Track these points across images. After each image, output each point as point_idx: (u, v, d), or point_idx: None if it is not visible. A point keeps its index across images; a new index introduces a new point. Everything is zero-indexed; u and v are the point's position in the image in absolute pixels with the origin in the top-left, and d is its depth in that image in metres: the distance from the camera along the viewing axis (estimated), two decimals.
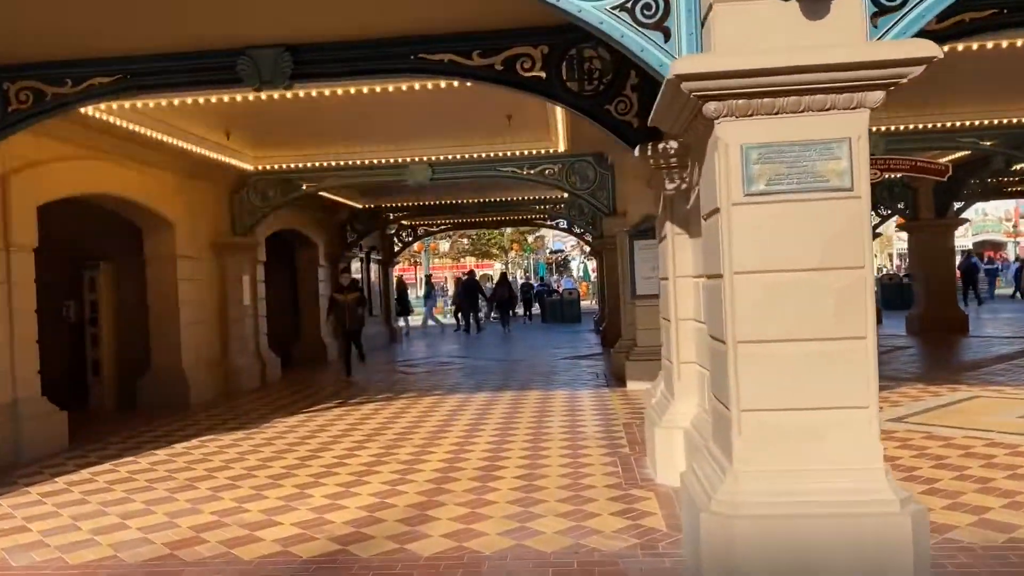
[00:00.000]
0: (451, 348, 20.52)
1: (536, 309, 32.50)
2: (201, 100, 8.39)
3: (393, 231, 23.27)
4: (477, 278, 31.35)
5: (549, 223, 23.63)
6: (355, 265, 20.72)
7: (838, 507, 3.86)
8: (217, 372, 12.94)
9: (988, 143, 13.25)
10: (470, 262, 65.65)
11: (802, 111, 3.95)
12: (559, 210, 19.23)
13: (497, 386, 12.46)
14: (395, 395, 11.95)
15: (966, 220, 22.16)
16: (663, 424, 6.23)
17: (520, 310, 34.77)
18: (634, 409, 9.70)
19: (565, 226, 23.53)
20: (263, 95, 8.17)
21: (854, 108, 3.93)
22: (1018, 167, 16.48)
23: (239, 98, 8.28)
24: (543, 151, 12.56)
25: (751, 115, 3.98)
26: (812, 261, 3.97)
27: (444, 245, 61.75)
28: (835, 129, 3.96)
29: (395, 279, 25.55)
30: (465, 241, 61.74)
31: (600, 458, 7.20)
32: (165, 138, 10.28)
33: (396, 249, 23.99)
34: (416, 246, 46.53)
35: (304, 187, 13.66)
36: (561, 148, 12.12)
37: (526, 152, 12.61)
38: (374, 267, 22.62)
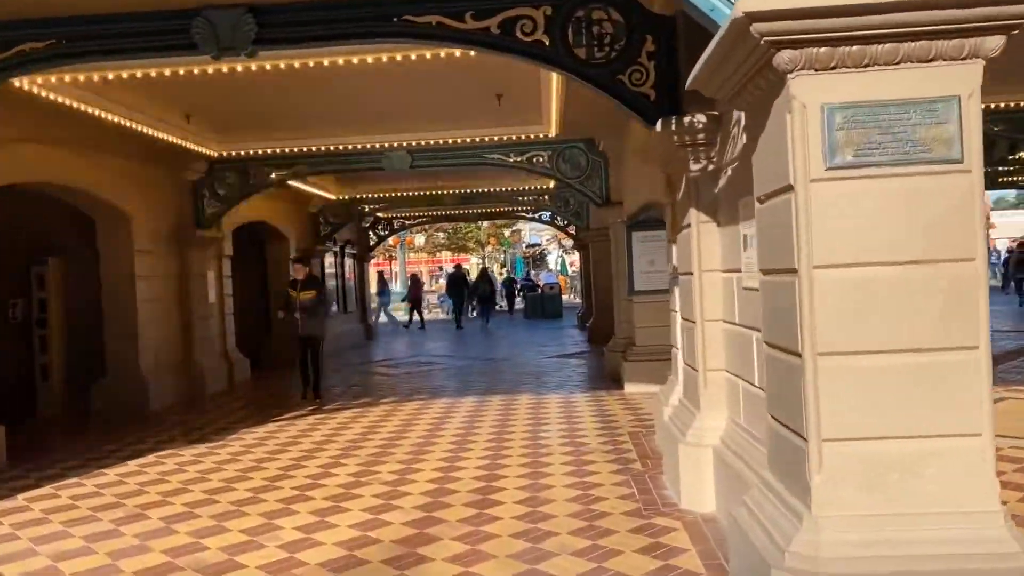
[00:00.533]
0: (433, 347, 19.61)
1: (520, 304, 31.84)
2: (153, 73, 7.41)
3: (368, 224, 22.29)
4: (463, 272, 30.62)
5: (531, 216, 22.81)
6: (329, 259, 19.75)
7: (947, 561, 3.06)
8: (180, 375, 11.95)
9: (996, 128, 12.60)
10: (446, 256, 64.76)
11: (899, 62, 3.12)
12: (544, 201, 18.39)
13: (484, 389, 11.60)
14: (374, 400, 11.05)
15: None
16: (688, 441, 5.41)
17: (504, 304, 34.13)
18: (638, 416, 8.90)
19: (548, 218, 22.71)
20: (224, 67, 7.23)
21: (964, 58, 3.11)
22: (1021, 154, 15.89)
23: (197, 71, 7.32)
24: (532, 136, 11.69)
25: (835, 68, 3.15)
26: (912, 252, 3.15)
27: (420, 239, 60.77)
28: (940, 85, 3.14)
29: (376, 274, 24.59)
30: (441, 235, 60.74)
31: (610, 476, 6.37)
32: (118, 119, 9.27)
33: (372, 243, 23.00)
34: (391, 240, 45.65)
35: (273, 175, 12.69)
36: (552, 132, 11.26)
37: (514, 137, 11.74)
38: (349, 261, 21.62)
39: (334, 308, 19.78)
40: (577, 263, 61.27)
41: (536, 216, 22.63)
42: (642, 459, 6.87)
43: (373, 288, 38.12)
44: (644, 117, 5.78)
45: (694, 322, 5.56)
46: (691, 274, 5.60)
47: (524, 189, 18.09)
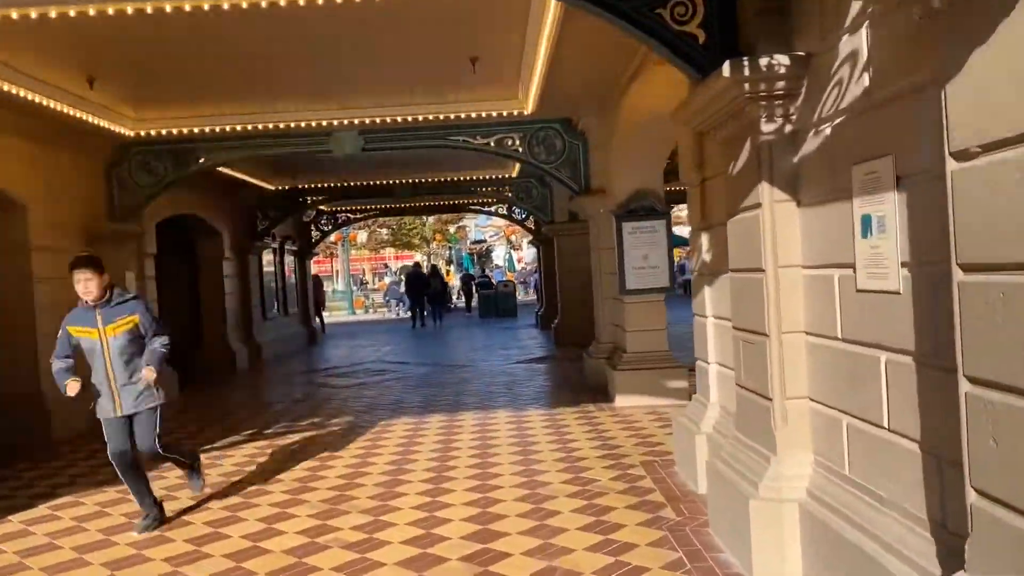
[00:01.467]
0: (386, 351, 17.99)
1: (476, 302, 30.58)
2: (34, 14, 5.69)
3: (310, 218, 20.53)
4: (422, 269, 29.27)
5: (487, 210, 21.31)
6: (267, 257, 17.97)
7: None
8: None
9: None
10: (390, 253, 62.88)
11: None
12: (504, 192, 16.96)
13: (452, 404, 10.11)
14: (323, 420, 9.47)
15: None
16: (763, 495, 4.03)
17: (462, 303, 32.96)
18: (641, 437, 7.54)
19: (504, 212, 21.26)
20: (129, 7, 5.60)
21: None
22: None
23: (94, 10, 5.64)
24: (505, 113, 10.20)
25: None
26: None
27: (362, 236, 58.77)
28: None
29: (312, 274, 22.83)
30: (384, 231, 58.89)
31: (640, 530, 4.96)
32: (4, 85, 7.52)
33: (314, 239, 21.24)
34: (334, 236, 43.66)
35: (202, 160, 10.97)
36: (529, 109, 9.81)
37: (484, 114, 10.23)
38: (289, 259, 19.84)
39: (273, 311, 18.08)
40: (527, 259, 60.40)
41: (493, 210, 21.15)
42: (672, 502, 5.49)
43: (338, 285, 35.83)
44: (690, 63, 4.39)
45: (764, 335, 4.18)
46: (759, 271, 4.22)
47: (484, 179, 16.62)
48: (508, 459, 7.00)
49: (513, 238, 60.76)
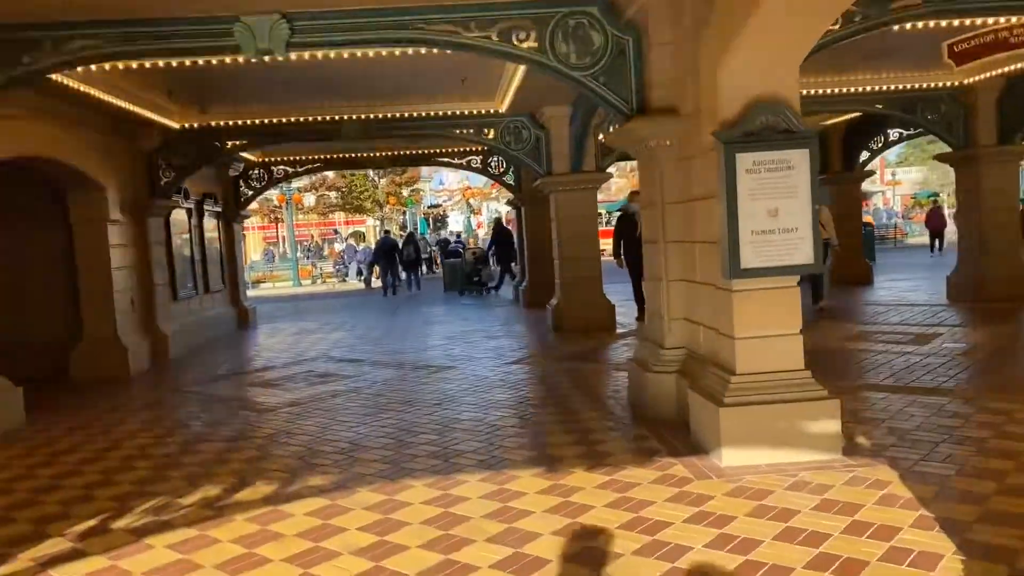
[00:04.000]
0: (334, 339, 13.99)
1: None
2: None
3: (238, 171, 16.31)
4: (393, 239, 26.19)
5: (456, 162, 17.25)
6: (179, 220, 13.81)
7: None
8: None
9: None
10: (340, 218, 58.30)
11: None
12: (485, 135, 12.97)
13: (438, 458, 6.19)
14: (222, 498, 5.54)
15: None
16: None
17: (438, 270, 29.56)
18: (824, 559, 3.86)
19: (478, 165, 17.27)
20: None
21: None
22: None
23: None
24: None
25: None
26: None
27: (309, 199, 54.07)
28: None
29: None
30: (333, 194, 54.29)
31: None
32: None
33: (243, 198, 17.03)
34: (276, 198, 39.11)
35: (50, 60, 6.84)
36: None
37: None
38: (211, 223, 15.65)
39: (189, 288, 14.04)
40: (484, 224, 56.12)
41: (464, 162, 17.13)
42: None
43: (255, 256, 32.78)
44: None
45: None
46: None
47: (459, 115, 12.60)
48: None
49: (472, 201, 56.61)
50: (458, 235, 39.94)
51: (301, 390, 9.33)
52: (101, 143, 10.94)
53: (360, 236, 56.74)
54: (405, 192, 55.60)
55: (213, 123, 12.10)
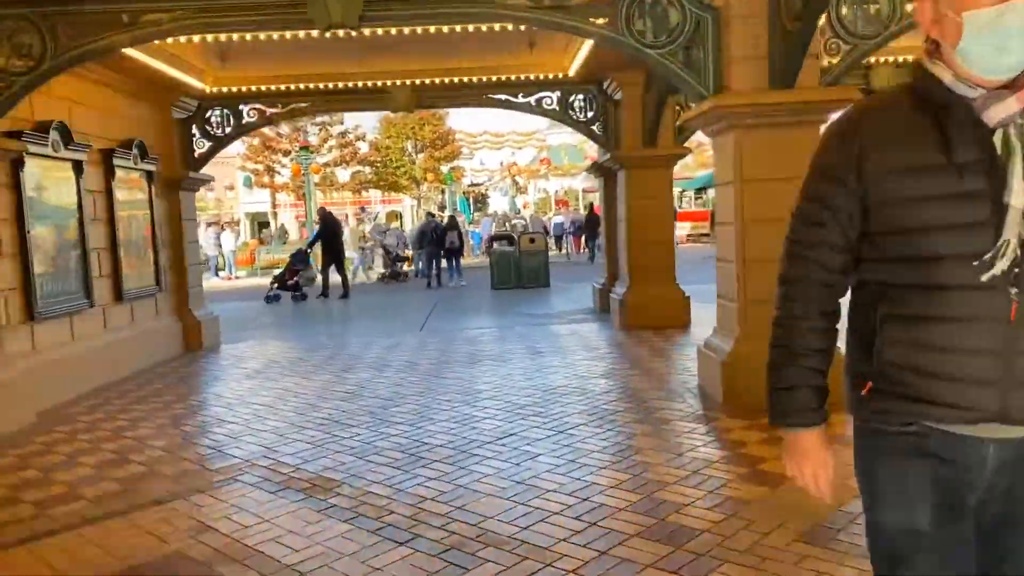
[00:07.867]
0: (345, 367, 8.31)
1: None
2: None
3: (191, 111, 10.73)
4: (437, 222, 22.27)
5: (523, 101, 11.31)
6: (57, 182, 8.25)
7: None
8: None
9: None
10: (375, 196, 52.73)
11: None
12: (545, 105, 7.19)
13: None
14: None
15: None
16: None
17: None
18: None
19: (556, 107, 11.34)
20: None
21: None
22: None
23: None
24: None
25: None
26: None
27: (343, 175, 48.64)
28: None
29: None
30: (367, 170, 48.79)
31: None
32: None
33: (198, 153, 11.34)
34: (292, 168, 33.64)
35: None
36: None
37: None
38: (132, 187, 10.05)
39: (72, 292, 8.51)
40: (530, 204, 50.22)
41: (533, 101, 11.22)
42: None
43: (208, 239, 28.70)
44: None
45: None
46: None
47: (517, 80, 7.06)
48: None
49: (520, 179, 50.73)
50: (513, 217, 34.14)
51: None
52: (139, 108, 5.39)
53: (395, 215, 51.29)
54: (444, 168, 50.13)
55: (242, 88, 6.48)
